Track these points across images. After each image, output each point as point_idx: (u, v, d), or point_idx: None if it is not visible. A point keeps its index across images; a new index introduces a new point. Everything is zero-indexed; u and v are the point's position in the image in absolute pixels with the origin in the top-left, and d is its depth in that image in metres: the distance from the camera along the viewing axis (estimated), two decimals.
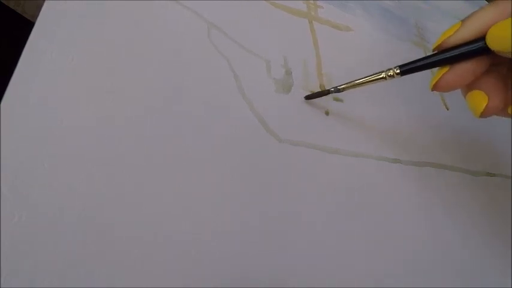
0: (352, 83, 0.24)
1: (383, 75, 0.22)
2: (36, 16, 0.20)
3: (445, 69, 0.20)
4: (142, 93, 0.21)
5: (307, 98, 0.26)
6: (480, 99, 0.20)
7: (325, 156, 0.25)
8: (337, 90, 0.24)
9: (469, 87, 0.20)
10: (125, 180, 0.18)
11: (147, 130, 0.20)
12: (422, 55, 0.36)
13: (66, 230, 0.16)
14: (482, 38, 0.18)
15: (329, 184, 0.24)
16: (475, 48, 0.19)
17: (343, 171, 0.25)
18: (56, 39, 0.20)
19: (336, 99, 0.28)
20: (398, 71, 0.22)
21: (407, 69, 0.21)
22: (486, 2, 0.51)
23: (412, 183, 0.27)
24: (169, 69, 0.22)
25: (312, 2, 0.32)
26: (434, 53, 0.20)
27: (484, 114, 0.20)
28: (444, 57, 0.20)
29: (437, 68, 0.21)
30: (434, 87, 0.20)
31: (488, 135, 0.34)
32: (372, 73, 0.23)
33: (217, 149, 0.21)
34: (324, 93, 0.25)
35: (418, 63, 0.21)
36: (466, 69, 0.19)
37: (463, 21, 0.19)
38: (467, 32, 0.19)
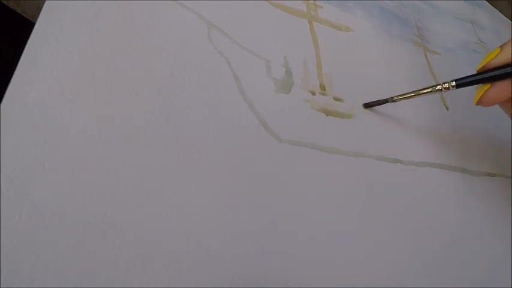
0: (409, 94, 0.26)
1: (439, 87, 0.25)
2: (36, 16, 0.20)
3: (487, 86, 0.23)
4: (143, 93, 0.21)
5: (366, 106, 0.28)
6: (483, 87, 0.23)
7: (325, 156, 0.25)
8: (392, 100, 0.27)
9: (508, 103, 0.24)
10: (125, 180, 0.18)
11: (147, 130, 0.20)
12: (422, 55, 0.36)
13: (66, 230, 0.16)
14: None
15: (329, 184, 0.24)
16: None
17: (343, 171, 0.25)
18: (56, 39, 0.20)
19: (336, 99, 0.28)
20: (454, 84, 0.24)
21: (462, 83, 0.24)
22: (486, 2, 0.51)
23: (412, 183, 0.27)
24: (169, 69, 0.22)
25: (312, 2, 0.32)
26: (483, 71, 0.24)
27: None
28: (491, 75, 0.23)
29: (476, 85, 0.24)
30: (478, 102, 0.24)
31: (488, 136, 0.34)
32: (428, 86, 0.26)
33: (217, 149, 0.21)
34: (381, 102, 0.28)
35: (473, 78, 0.24)
36: (505, 87, 0.23)
37: (501, 46, 0.23)
38: (505, 56, 0.23)
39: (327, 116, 0.26)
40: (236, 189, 0.21)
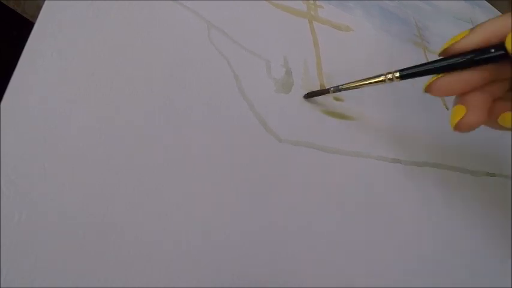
0: (352, 84, 0.24)
1: (382, 78, 0.23)
2: (36, 16, 0.20)
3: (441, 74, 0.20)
4: (143, 93, 0.21)
5: (307, 96, 0.26)
6: (459, 112, 0.20)
7: (325, 156, 0.25)
8: (337, 89, 0.24)
9: (459, 99, 0.21)
10: (125, 180, 0.18)
11: (147, 130, 0.20)
12: (422, 55, 0.36)
13: (66, 230, 0.16)
14: (488, 46, 0.18)
15: (329, 184, 0.24)
16: (483, 57, 0.19)
17: (343, 171, 0.25)
18: (56, 39, 0.20)
19: (336, 99, 0.28)
20: (398, 75, 0.22)
21: (406, 73, 0.22)
22: (486, 2, 0.51)
23: (412, 183, 0.27)
24: (170, 69, 0.22)
25: (312, 2, 0.32)
26: (435, 59, 0.21)
27: (458, 127, 0.20)
28: (444, 64, 0.20)
29: None
30: (427, 89, 0.20)
31: (488, 135, 0.34)
32: (373, 75, 0.23)
33: (217, 149, 0.21)
34: (323, 92, 0.25)
35: (418, 69, 0.21)
36: (463, 77, 0.19)
37: (471, 29, 0.19)
38: (475, 38, 0.19)
39: (327, 116, 0.26)
40: (236, 189, 0.21)
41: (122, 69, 0.21)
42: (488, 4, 0.52)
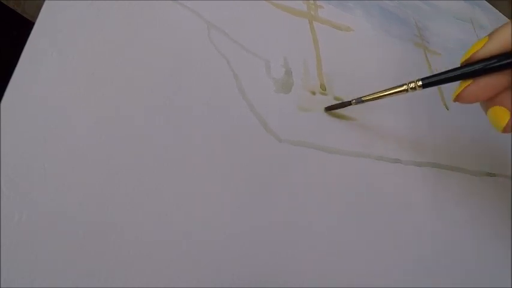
0: (374, 95, 0.24)
1: (405, 87, 0.23)
2: (36, 16, 0.20)
3: (469, 81, 0.20)
4: (142, 93, 0.21)
5: (328, 109, 0.26)
6: (502, 114, 0.20)
7: (325, 156, 0.25)
8: (359, 101, 0.25)
9: (490, 103, 0.21)
10: (125, 180, 0.18)
11: (147, 130, 0.20)
12: (422, 55, 0.36)
13: (66, 230, 0.16)
14: (508, 51, 0.19)
15: (329, 184, 0.24)
16: (504, 62, 0.19)
17: (343, 171, 0.25)
18: (56, 39, 0.20)
19: (337, 99, 0.28)
20: (420, 83, 0.22)
21: (429, 82, 0.22)
22: (486, 2, 0.51)
23: (412, 183, 0.27)
24: (169, 69, 0.22)
25: (312, 2, 0.32)
26: (456, 67, 0.21)
27: (506, 129, 0.20)
28: (466, 71, 0.20)
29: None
30: (457, 98, 0.21)
31: (488, 135, 0.34)
32: (395, 86, 0.23)
33: (217, 149, 0.21)
34: (344, 104, 0.25)
35: (441, 77, 0.21)
36: (488, 82, 0.20)
37: (489, 35, 0.20)
38: (495, 45, 0.19)
39: (327, 116, 0.26)
40: (236, 189, 0.21)
41: (122, 69, 0.21)
42: (488, 4, 0.52)
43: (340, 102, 0.26)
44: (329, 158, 0.25)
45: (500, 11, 0.53)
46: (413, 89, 0.22)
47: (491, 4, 0.52)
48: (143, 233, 0.18)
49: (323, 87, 0.27)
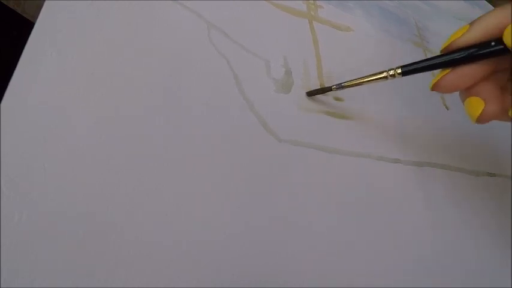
0: (354, 81, 0.24)
1: (385, 74, 0.23)
2: (36, 16, 0.20)
3: (447, 70, 0.20)
4: (142, 93, 0.21)
5: (309, 94, 0.26)
6: (477, 104, 0.20)
7: (325, 156, 0.25)
8: (339, 87, 0.25)
9: (467, 93, 0.21)
10: (125, 180, 0.18)
11: (147, 130, 0.20)
12: (422, 55, 0.36)
13: (66, 230, 0.16)
14: (489, 40, 0.19)
15: (329, 184, 0.24)
16: (484, 52, 0.19)
17: (343, 171, 0.25)
18: (56, 39, 0.20)
19: (337, 99, 0.28)
20: (400, 71, 0.22)
21: (408, 70, 0.22)
22: (486, 2, 0.51)
23: (412, 183, 0.27)
24: (169, 69, 0.22)
25: (312, 2, 0.32)
26: (436, 55, 0.21)
27: (480, 120, 0.20)
28: (446, 59, 0.20)
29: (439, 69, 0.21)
30: (434, 87, 0.21)
31: (488, 135, 0.34)
32: (374, 72, 0.23)
33: (217, 149, 0.21)
34: (325, 89, 0.26)
35: (420, 65, 0.21)
36: (466, 72, 0.20)
37: (471, 24, 0.20)
38: (475, 33, 0.19)
39: (327, 116, 0.26)
40: (236, 189, 0.21)
41: (122, 69, 0.21)
42: (488, 4, 0.52)
43: (321, 88, 0.26)
44: (329, 158, 0.25)
45: None
46: (393, 76, 0.22)
47: (491, 4, 0.52)
48: (143, 233, 0.18)
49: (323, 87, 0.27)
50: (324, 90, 0.26)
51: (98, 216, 0.17)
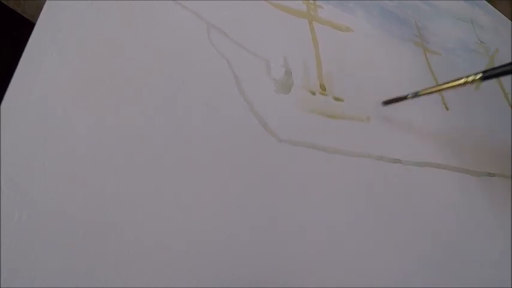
0: (431, 89, 0.25)
1: (463, 80, 0.23)
2: (36, 16, 0.20)
3: None
4: (142, 93, 0.21)
5: (386, 103, 0.27)
6: None
7: (325, 156, 0.25)
8: (415, 95, 0.25)
9: None
10: (125, 180, 0.18)
11: (147, 130, 0.20)
12: (422, 55, 0.36)
13: (66, 230, 0.16)
14: None
15: (329, 184, 0.24)
16: None
17: (343, 171, 0.25)
18: (56, 39, 0.20)
19: (337, 99, 0.28)
20: (480, 76, 0.23)
21: (489, 75, 0.23)
22: (486, 2, 0.51)
23: (412, 183, 0.27)
24: (169, 70, 0.22)
25: (312, 2, 0.32)
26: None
27: None
28: None
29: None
30: None
31: (488, 135, 0.34)
32: (452, 79, 0.24)
33: (217, 149, 0.21)
34: (401, 98, 0.26)
35: (501, 70, 0.22)
36: None
37: None
38: None
39: (327, 116, 0.26)
40: (236, 189, 0.21)
41: (122, 69, 0.21)
42: (488, 4, 0.52)
43: (397, 97, 0.27)
44: (329, 158, 0.25)
45: (500, 11, 0.53)
46: (472, 82, 0.23)
47: (491, 4, 0.52)
48: (143, 233, 0.18)
49: (323, 87, 0.27)
50: (400, 99, 0.26)
51: (98, 216, 0.17)
